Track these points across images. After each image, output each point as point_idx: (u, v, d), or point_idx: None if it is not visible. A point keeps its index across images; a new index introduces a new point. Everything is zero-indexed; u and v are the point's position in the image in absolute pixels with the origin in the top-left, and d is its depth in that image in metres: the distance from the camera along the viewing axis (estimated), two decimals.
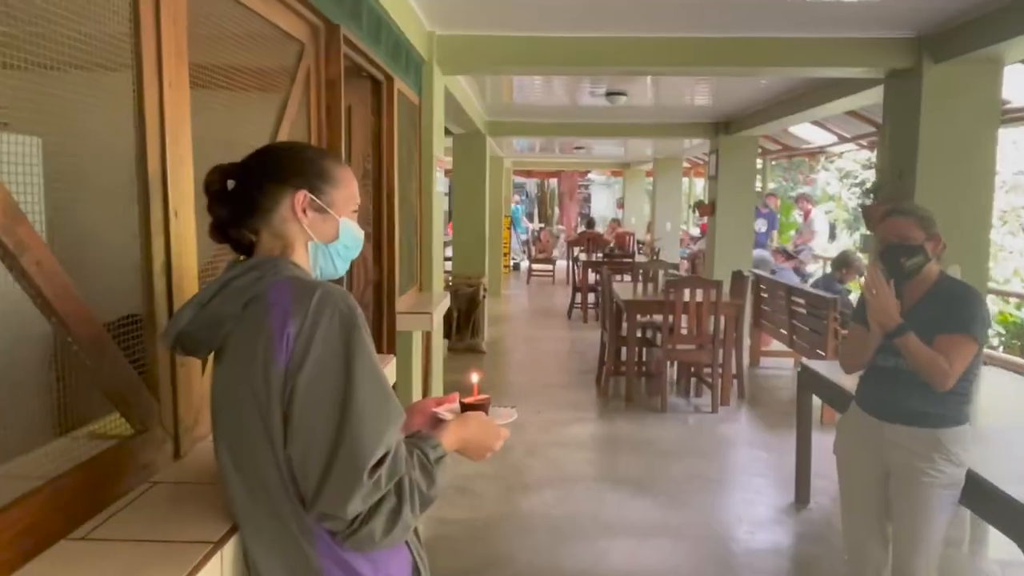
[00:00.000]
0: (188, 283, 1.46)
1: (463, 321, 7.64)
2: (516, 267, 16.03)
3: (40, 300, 1.05)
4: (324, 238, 1.24)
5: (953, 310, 2.25)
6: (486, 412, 1.41)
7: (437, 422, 1.42)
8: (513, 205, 17.92)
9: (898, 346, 2.23)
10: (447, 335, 7.75)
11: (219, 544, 1.09)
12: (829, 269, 6.73)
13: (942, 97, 3.95)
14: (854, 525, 2.55)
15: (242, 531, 1.14)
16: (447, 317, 7.67)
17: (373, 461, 1.03)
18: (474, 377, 1.50)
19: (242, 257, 1.25)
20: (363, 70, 3.05)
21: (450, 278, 8.26)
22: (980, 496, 2.30)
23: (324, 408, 1.05)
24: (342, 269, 1.31)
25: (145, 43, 1.31)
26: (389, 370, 2.32)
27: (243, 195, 1.20)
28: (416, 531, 1.28)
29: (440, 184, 4.25)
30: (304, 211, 1.20)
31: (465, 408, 1.41)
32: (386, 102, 3.26)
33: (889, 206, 2.41)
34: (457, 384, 6.69)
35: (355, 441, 1.03)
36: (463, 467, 4.53)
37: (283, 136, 2.02)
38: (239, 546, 1.16)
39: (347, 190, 1.27)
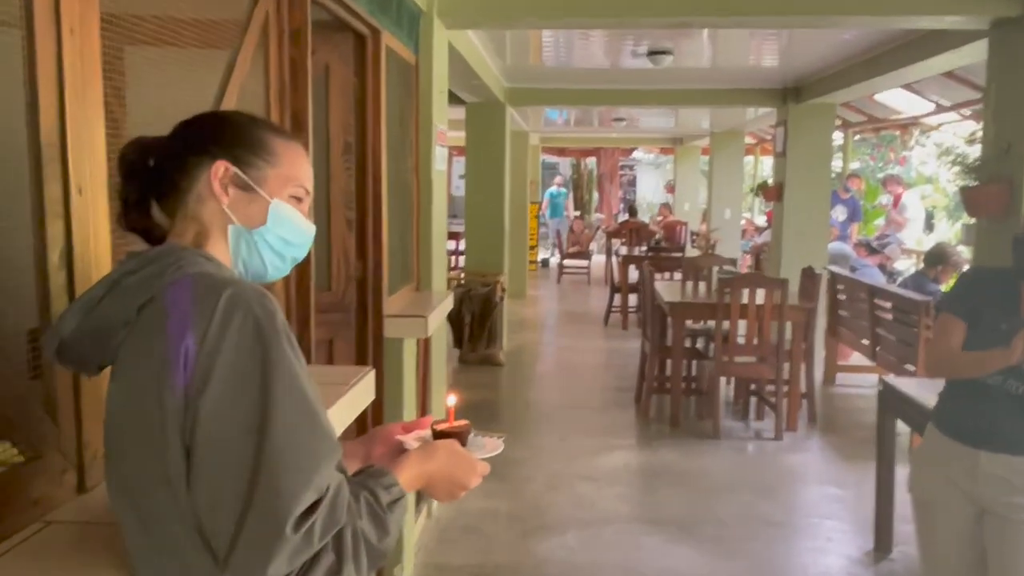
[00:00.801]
0: (98, 276, 1.41)
1: (477, 327, 7.58)
2: (544, 263, 15.96)
3: None
4: (249, 223, 1.16)
5: None
6: (463, 442, 1.34)
7: (402, 452, 1.35)
8: (556, 188, 17.98)
9: None
10: (458, 343, 7.71)
11: None
12: (921, 265, 6.55)
13: None
14: None
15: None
16: (458, 323, 7.64)
17: (300, 509, 0.95)
18: (450, 399, 1.43)
19: None
20: (343, 22, 3.00)
21: (462, 276, 8.23)
22: None
23: (233, 442, 0.96)
24: (274, 269, 1.22)
25: None
26: (366, 386, 2.24)
27: (158, 173, 1.15)
28: None
29: (441, 161, 4.18)
30: (224, 188, 1.13)
31: (437, 436, 1.34)
32: (371, 61, 3.20)
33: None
34: (466, 404, 6.61)
35: (274, 485, 0.95)
36: (469, 503, 4.48)
37: (231, 101, 1.96)
38: None
39: (287, 169, 1.18)
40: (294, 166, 1.20)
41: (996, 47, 4.15)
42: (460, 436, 1.34)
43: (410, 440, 1.34)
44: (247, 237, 1.17)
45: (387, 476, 1.13)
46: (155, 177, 1.15)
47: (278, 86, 2.27)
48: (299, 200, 1.21)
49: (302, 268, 2.38)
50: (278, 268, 1.23)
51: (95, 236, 1.41)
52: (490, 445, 1.37)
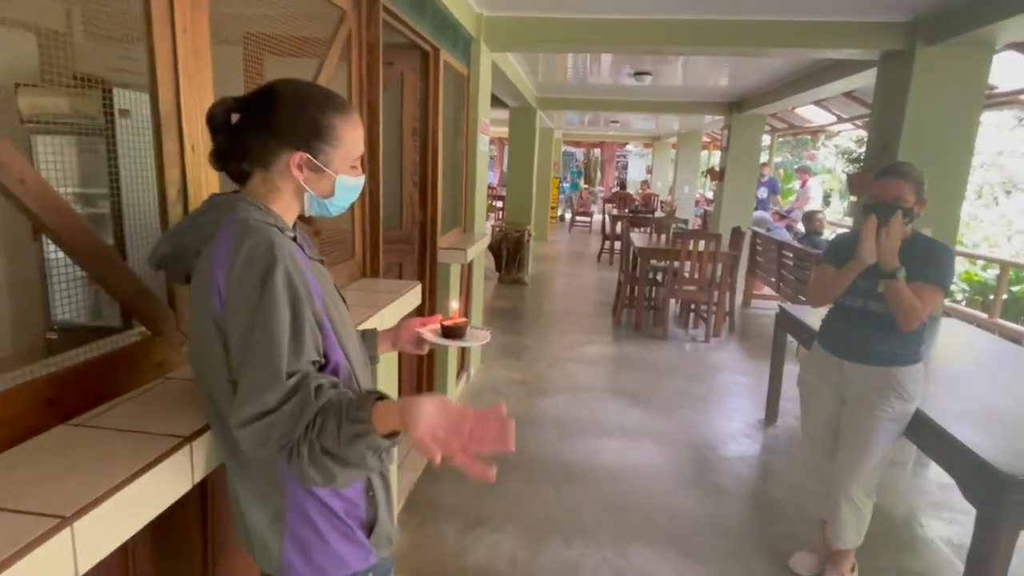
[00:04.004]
0: None
1: (511, 259, 7.45)
2: (562, 219, 15.63)
3: (29, 216, 0.90)
4: (320, 193, 1.01)
5: (930, 263, 1.94)
6: (463, 333, 1.23)
7: (419, 341, 1.24)
8: (576, 170, 17.86)
9: (887, 286, 1.93)
10: (498, 269, 7.60)
11: (189, 439, 0.95)
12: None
13: (931, 78, 3.40)
14: (811, 447, 2.31)
15: (212, 431, 0.99)
16: (498, 255, 7.50)
17: (286, 365, 0.83)
18: (453, 304, 1.32)
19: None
20: (412, 42, 2.80)
21: (503, 224, 8.05)
22: (923, 431, 2.02)
23: (243, 335, 0.85)
24: (336, 212, 1.06)
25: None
26: (414, 295, 2.15)
27: (243, 139, 0.98)
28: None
29: (484, 144, 3.98)
30: (300, 169, 0.97)
31: (445, 329, 1.23)
32: (433, 71, 3.00)
33: (887, 164, 2.04)
34: (501, 309, 6.46)
35: (270, 348, 0.83)
36: (495, 373, 4.44)
37: None
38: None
39: (348, 148, 1.00)
40: (353, 143, 1.01)
41: (883, 72, 3.77)
42: (460, 329, 1.23)
43: (425, 331, 1.23)
44: (319, 201, 1.02)
45: (365, 411, 0.83)
46: (238, 140, 0.98)
47: (358, 84, 2.11)
48: (355, 168, 1.04)
49: (374, 215, 2.27)
50: (337, 212, 1.07)
51: (206, 179, 1.30)
52: (480, 335, 1.26)
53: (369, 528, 1.01)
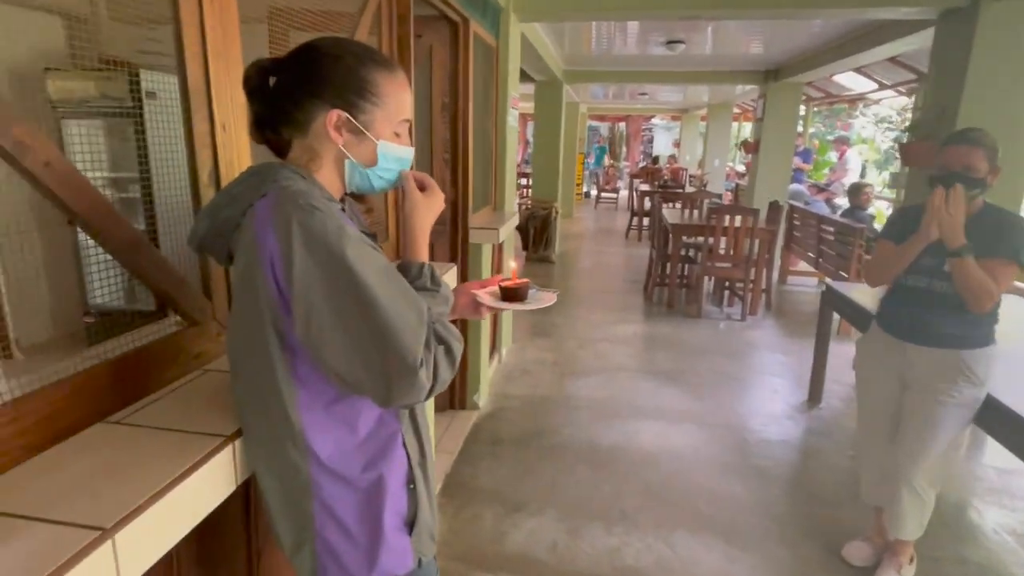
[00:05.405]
0: None
1: (538, 236, 7.33)
2: (587, 195, 15.38)
3: (56, 202, 0.84)
4: (361, 160, 0.92)
5: (1004, 237, 1.77)
6: (525, 295, 1.12)
7: (477, 305, 1.15)
8: (598, 145, 17.69)
9: (953, 265, 1.77)
10: (525, 247, 7.49)
11: (231, 438, 0.89)
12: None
13: (997, 36, 3.14)
14: (866, 432, 2.19)
15: (244, 435, 0.92)
16: (525, 233, 7.39)
17: (420, 357, 0.81)
18: (511, 264, 1.22)
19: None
20: (442, 13, 2.68)
21: (530, 201, 7.92)
22: (991, 417, 1.88)
23: (348, 317, 0.79)
24: (380, 188, 0.97)
25: None
26: (450, 277, 2.08)
27: (279, 101, 0.91)
28: (420, 439, 0.99)
29: (513, 120, 3.85)
30: (339, 130, 0.90)
31: (504, 291, 1.12)
32: (462, 42, 2.88)
33: (957, 130, 1.87)
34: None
35: (397, 345, 0.80)
36: (526, 353, 4.38)
37: None
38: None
39: (392, 108, 0.92)
40: (398, 103, 0.93)
41: (942, 32, 3.51)
42: (522, 290, 1.12)
43: (482, 294, 1.14)
44: (360, 171, 0.94)
45: (416, 268, 0.97)
46: (275, 104, 0.91)
47: (389, 55, 2.01)
48: (399, 136, 0.95)
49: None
50: (382, 187, 0.98)
51: (238, 160, 1.23)
52: (546, 297, 1.15)
53: (410, 524, 0.95)
